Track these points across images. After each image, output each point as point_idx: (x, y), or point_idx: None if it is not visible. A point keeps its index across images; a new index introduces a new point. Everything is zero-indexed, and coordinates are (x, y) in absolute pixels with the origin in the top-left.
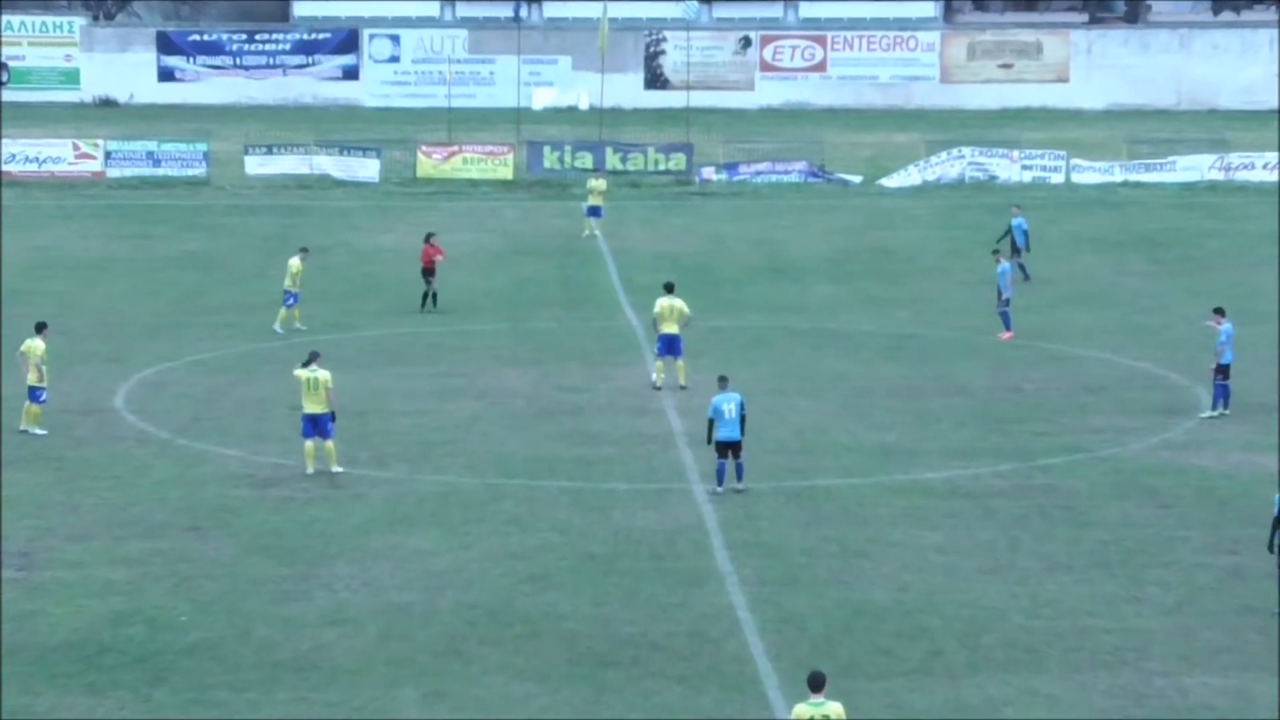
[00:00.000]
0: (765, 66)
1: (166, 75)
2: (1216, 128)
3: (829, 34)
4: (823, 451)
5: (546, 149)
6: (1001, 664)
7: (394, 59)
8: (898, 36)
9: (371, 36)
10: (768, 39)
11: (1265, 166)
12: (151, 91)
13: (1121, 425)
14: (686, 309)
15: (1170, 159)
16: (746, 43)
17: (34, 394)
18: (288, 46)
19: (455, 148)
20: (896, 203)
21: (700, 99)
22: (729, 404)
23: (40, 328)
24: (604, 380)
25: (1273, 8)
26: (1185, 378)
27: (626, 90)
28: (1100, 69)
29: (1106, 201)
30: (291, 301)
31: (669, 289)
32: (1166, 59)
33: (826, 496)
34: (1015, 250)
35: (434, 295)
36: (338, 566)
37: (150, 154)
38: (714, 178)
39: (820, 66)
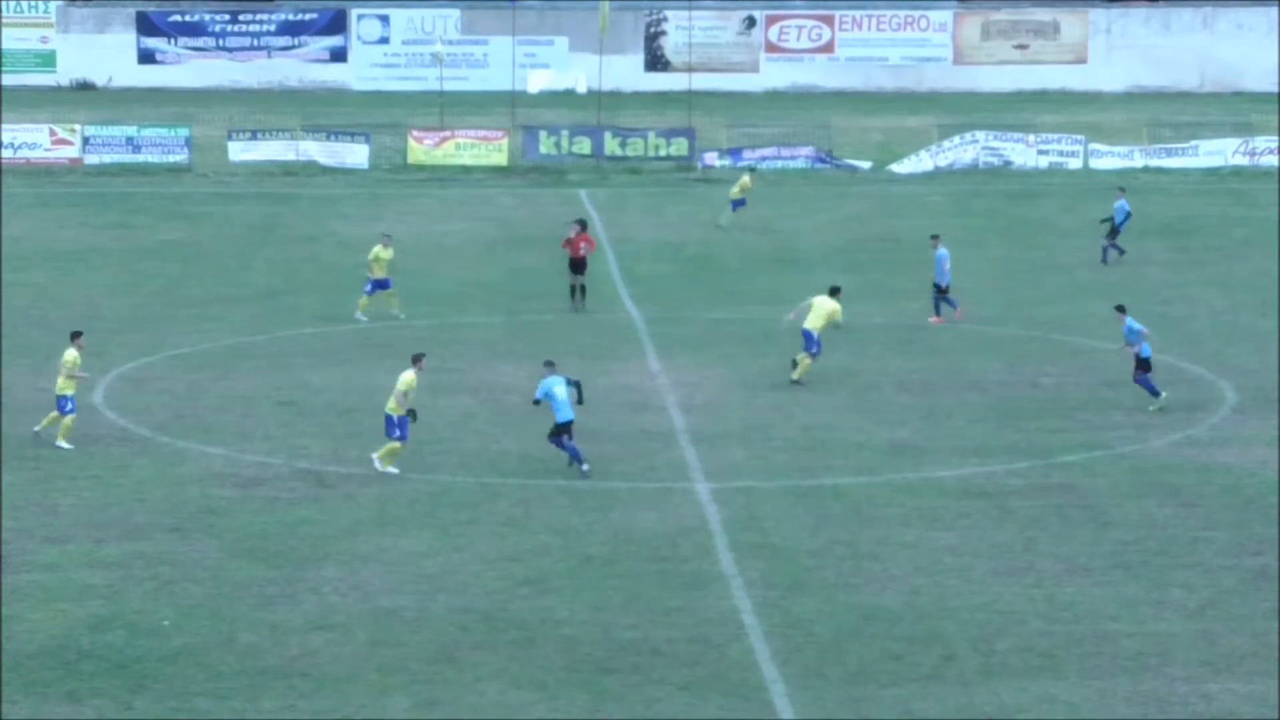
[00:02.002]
0: (770, 47)
1: (146, 57)
2: (1241, 110)
3: (837, 13)
4: (831, 449)
5: (542, 134)
6: (1017, 670)
7: (383, 40)
8: (908, 16)
9: (360, 17)
10: (773, 19)
11: None
12: (131, 74)
13: (1142, 421)
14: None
15: (1193, 143)
16: (751, 23)
17: (60, 403)
18: (272, 27)
19: (447, 133)
20: (907, 189)
21: (703, 81)
22: (559, 387)
23: (75, 336)
24: (603, 375)
25: None
26: (1209, 371)
27: (626, 72)
28: (1120, 49)
29: (1127, 187)
30: (371, 289)
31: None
32: (1189, 39)
33: (835, 496)
34: (1114, 232)
35: (583, 289)
36: (326, 569)
37: (130, 140)
38: (717, 164)
39: (828, 47)
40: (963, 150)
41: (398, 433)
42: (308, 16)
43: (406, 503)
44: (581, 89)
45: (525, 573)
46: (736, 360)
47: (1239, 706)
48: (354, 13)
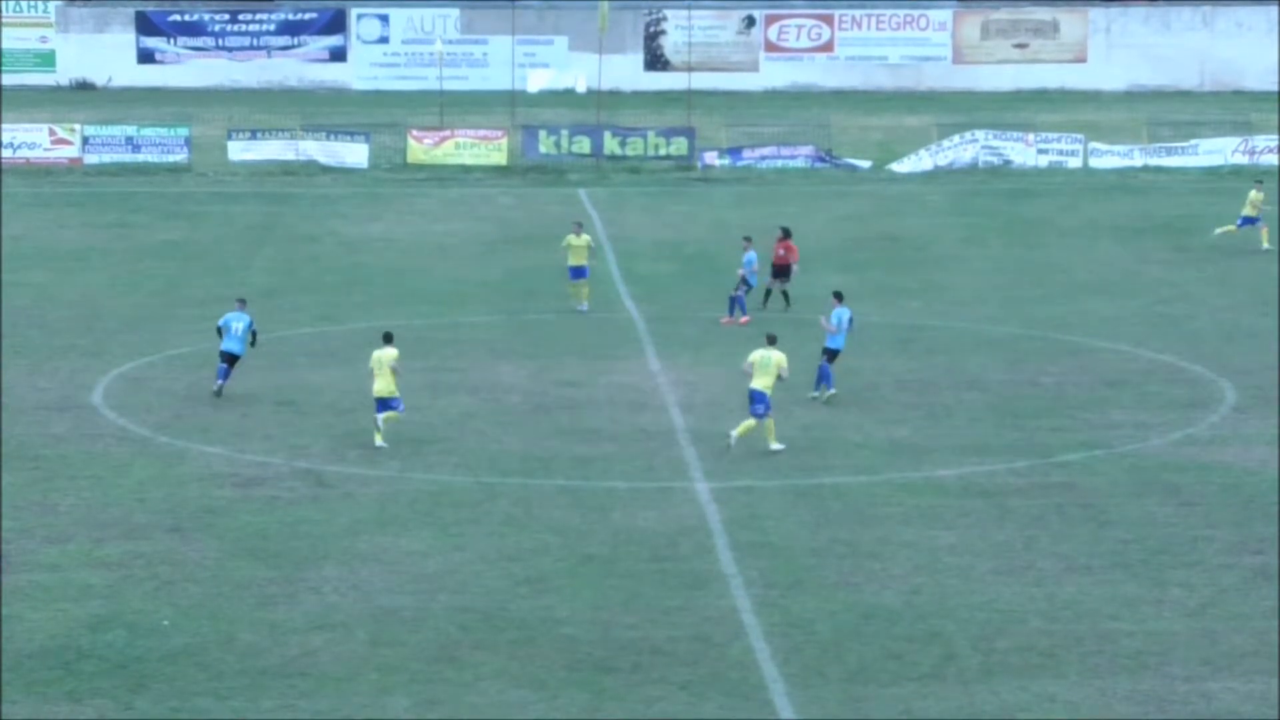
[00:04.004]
0: (770, 47)
1: (146, 57)
2: (1241, 109)
3: (836, 13)
4: (831, 448)
5: (542, 133)
6: (1017, 669)
7: (383, 40)
8: (908, 15)
9: (359, 16)
10: (772, 18)
11: None
12: (130, 74)
13: (1143, 420)
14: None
15: (1192, 142)
16: (750, 22)
17: (387, 404)
18: (272, 27)
19: (447, 132)
20: (907, 188)
21: (702, 81)
22: (239, 322)
23: (388, 338)
24: (603, 375)
25: None
26: (1209, 370)
27: (625, 72)
28: (1120, 48)
29: (1126, 187)
30: (583, 275)
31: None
32: (1189, 37)
33: (835, 495)
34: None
35: (785, 294)
36: (326, 569)
37: (129, 139)
38: (716, 163)
39: (827, 47)
40: (962, 149)
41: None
42: (307, 16)
43: (406, 502)
44: (581, 88)
45: (525, 572)
46: (737, 359)
47: (1239, 705)
48: (354, 12)
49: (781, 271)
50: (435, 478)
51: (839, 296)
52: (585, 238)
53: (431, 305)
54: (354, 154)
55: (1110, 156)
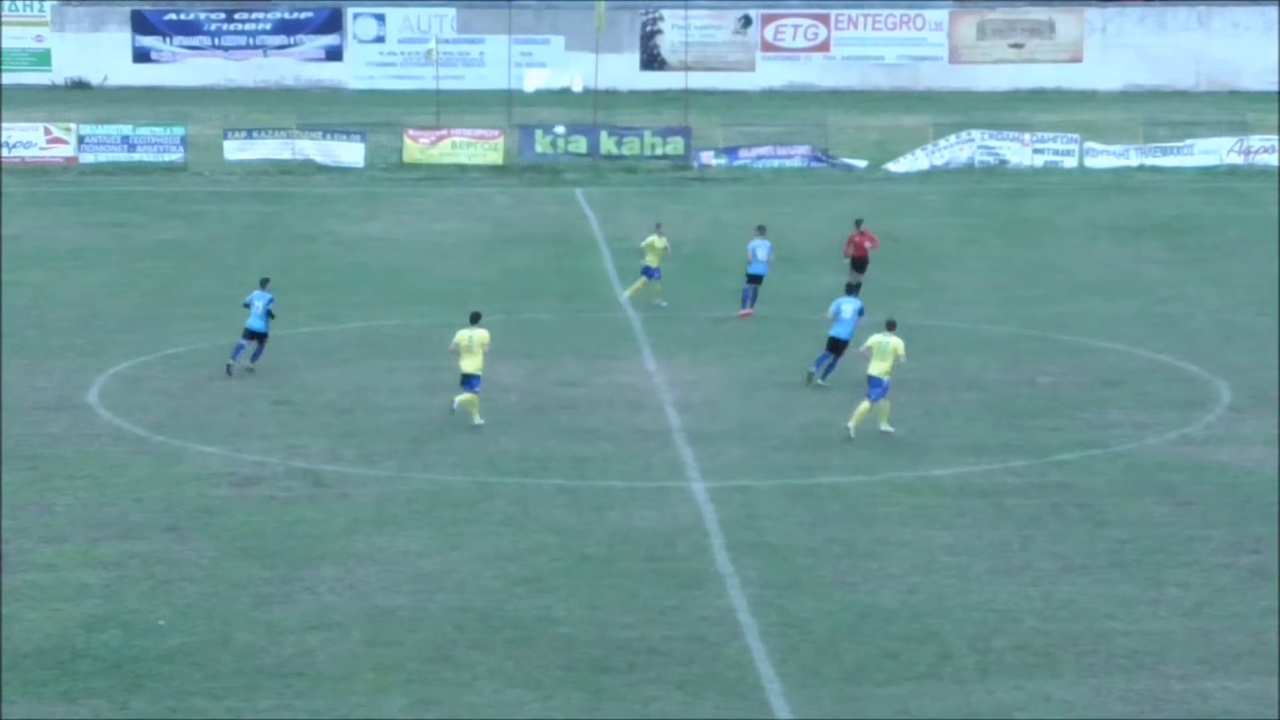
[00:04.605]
0: (766, 46)
1: (142, 56)
2: (1237, 109)
3: (833, 12)
4: (828, 448)
5: (538, 133)
6: (1013, 668)
7: (379, 39)
8: (904, 15)
9: (356, 16)
10: (769, 18)
11: None
12: (126, 73)
13: (1139, 420)
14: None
15: (1188, 142)
16: (747, 21)
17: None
18: (268, 26)
19: (443, 131)
20: (903, 188)
21: (699, 80)
22: (260, 300)
23: (476, 318)
24: (600, 374)
25: None
26: (1206, 370)
27: (622, 71)
28: (1116, 48)
29: (1122, 186)
30: (653, 275)
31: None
32: (1185, 37)
33: (832, 495)
34: None
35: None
36: (322, 568)
37: (125, 139)
38: (713, 162)
39: (824, 46)
40: (958, 149)
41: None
42: (303, 15)
43: (403, 502)
44: (578, 88)
45: (522, 572)
46: (733, 359)
47: (1235, 705)
48: (350, 11)
49: (859, 263)
50: (433, 477)
51: (850, 289)
52: (664, 240)
53: (428, 305)
54: (350, 153)
55: (1106, 156)
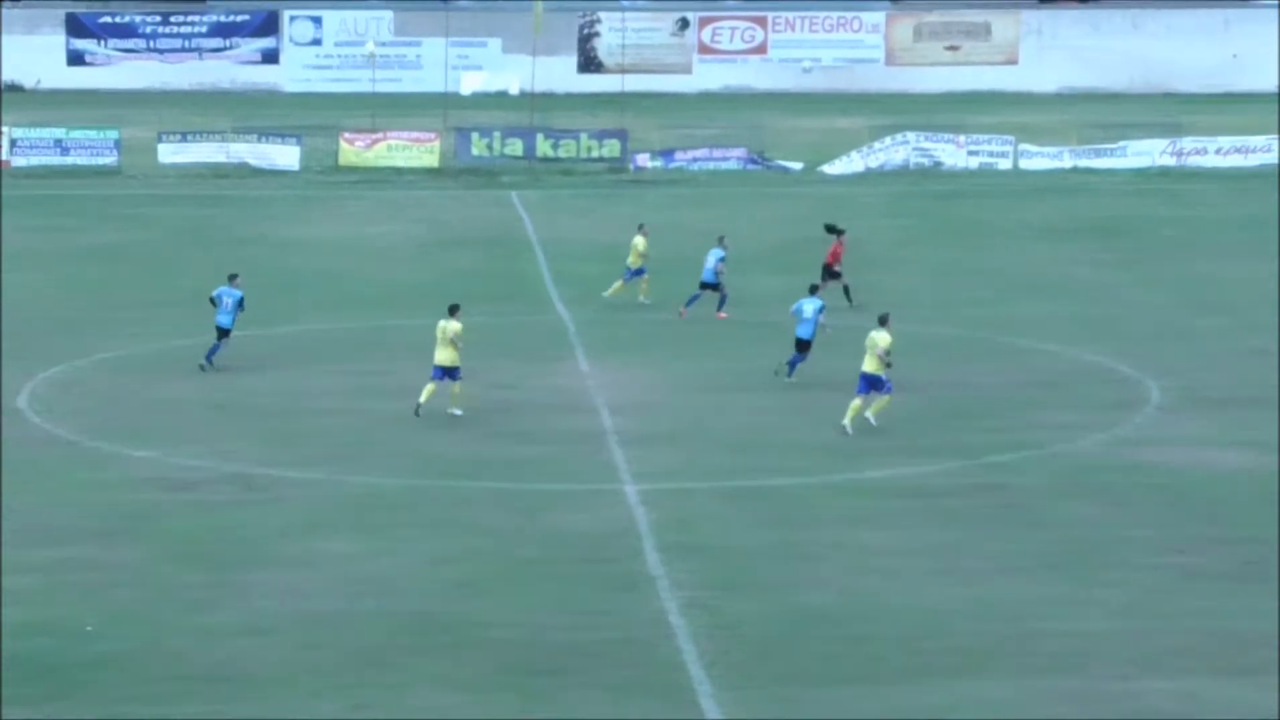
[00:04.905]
0: (703, 49)
1: (76, 59)
2: (1170, 111)
3: (770, 15)
4: (763, 450)
5: (475, 136)
6: (945, 670)
7: (316, 42)
8: (841, 17)
9: (292, 18)
10: (706, 20)
11: (1219, 151)
12: (60, 76)
13: (1073, 421)
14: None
15: (1122, 144)
16: (684, 24)
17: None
18: (204, 29)
19: (379, 134)
20: (839, 190)
21: (636, 83)
22: (229, 297)
23: (453, 310)
24: (534, 377)
25: None
26: (1137, 371)
27: (559, 74)
28: (1051, 50)
29: (1056, 188)
30: (631, 276)
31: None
32: (1119, 40)
33: (767, 497)
34: None
35: (846, 289)
36: (255, 573)
37: (58, 142)
38: (649, 165)
39: (761, 49)
40: (894, 151)
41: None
42: (239, 18)
43: (337, 505)
44: (514, 91)
45: (455, 575)
46: (668, 362)
47: (1165, 705)
48: (286, 14)
49: (831, 270)
50: (366, 480)
51: (814, 289)
52: (644, 241)
53: (364, 308)
54: (285, 156)
55: (1040, 158)
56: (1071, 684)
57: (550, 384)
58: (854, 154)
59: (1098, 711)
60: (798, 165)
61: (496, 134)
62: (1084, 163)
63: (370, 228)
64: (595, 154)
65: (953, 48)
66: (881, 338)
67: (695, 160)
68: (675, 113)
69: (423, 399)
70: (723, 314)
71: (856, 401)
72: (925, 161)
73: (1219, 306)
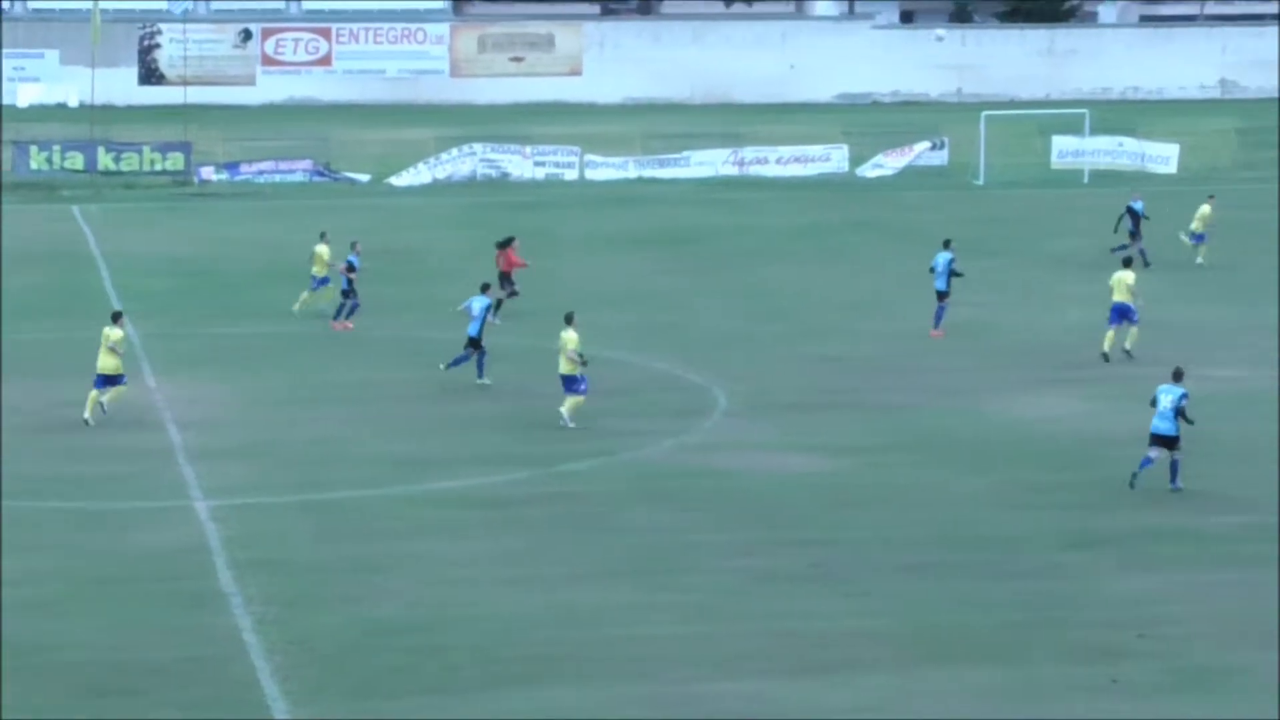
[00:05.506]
0: (267, 60)
1: None
2: (732, 121)
3: (334, 26)
4: (336, 463)
5: (34, 149)
6: (520, 678)
7: None
8: (405, 29)
9: None
10: (269, 31)
11: (779, 160)
12: None
13: (642, 428)
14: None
15: (685, 154)
16: (247, 35)
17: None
18: None
19: None
20: (407, 201)
21: (199, 95)
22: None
23: (116, 317)
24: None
25: (783, 0)
26: (703, 378)
27: (120, 86)
28: (614, 62)
29: (622, 198)
30: (318, 286)
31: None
32: (680, 52)
33: (339, 510)
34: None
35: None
36: None
37: None
38: (214, 177)
39: (325, 60)
40: (460, 162)
41: None
42: None
43: None
44: (74, 103)
45: (23, 597)
46: (238, 376)
47: (736, 706)
48: None
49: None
50: None
51: (486, 288)
52: (326, 249)
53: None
54: None
55: (606, 168)
56: (644, 689)
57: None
58: (421, 165)
59: (672, 714)
60: (365, 177)
61: (56, 147)
62: (649, 173)
63: None
64: (159, 167)
65: (517, 59)
66: (570, 338)
67: (261, 173)
68: (240, 125)
69: (88, 411)
70: (345, 324)
71: (570, 400)
72: (493, 173)
73: (783, 313)
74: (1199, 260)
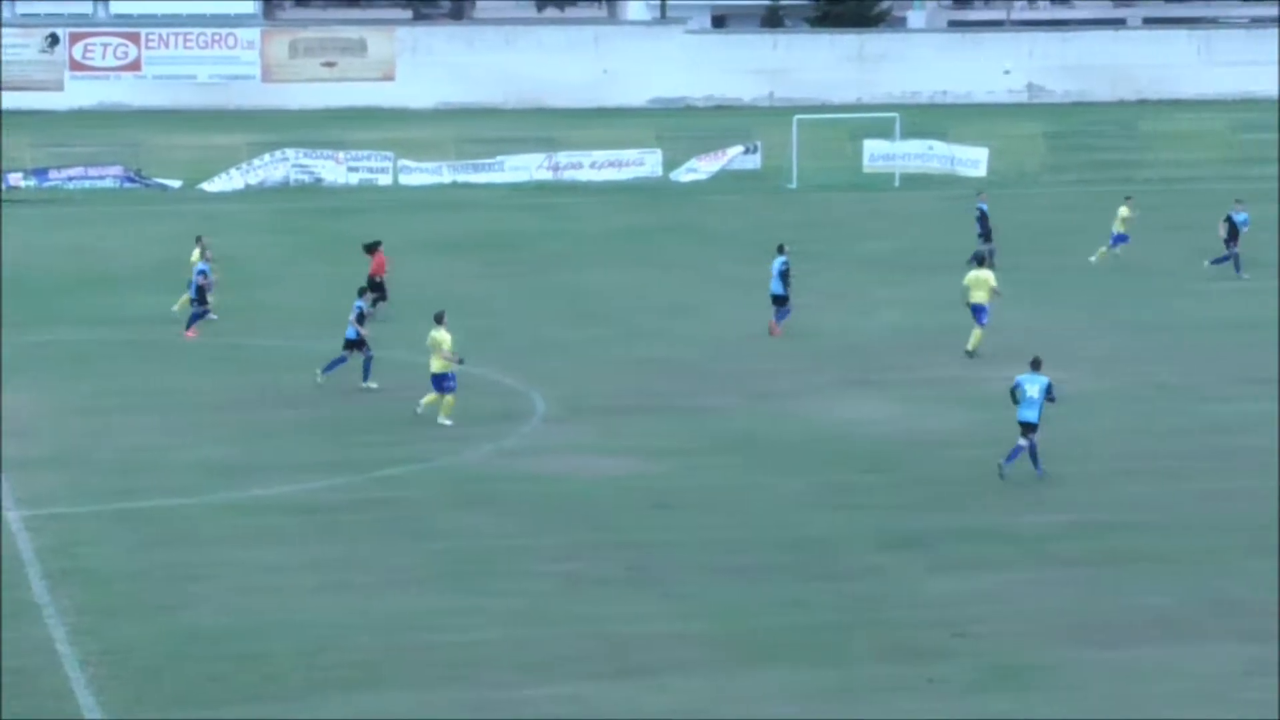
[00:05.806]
0: (75, 65)
1: None
2: (546, 126)
3: (143, 31)
4: (150, 471)
5: None
6: (340, 684)
7: None
8: (216, 34)
9: None
10: (77, 36)
11: (593, 165)
12: None
13: (460, 433)
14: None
15: (499, 159)
16: (54, 40)
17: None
18: None
19: None
20: (220, 207)
21: (6, 100)
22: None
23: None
24: None
25: (595, 5)
26: (519, 382)
27: None
28: (427, 67)
29: (436, 203)
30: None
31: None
32: (493, 57)
33: (154, 518)
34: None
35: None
36: None
37: None
38: (23, 184)
39: (135, 65)
40: (273, 168)
41: None
42: None
43: None
44: None
45: None
46: (49, 384)
47: (553, 709)
48: None
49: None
50: None
51: (362, 291)
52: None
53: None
54: None
55: (420, 174)
56: (465, 694)
57: None
58: (233, 171)
59: (490, 717)
60: (176, 183)
61: None
62: (463, 178)
63: None
64: None
65: (329, 64)
66: (443, 337)
67: (71, 179)
68: (48, 131)
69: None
70: (191, 332)
71: (431, 396)
72: (306, 178)
73: (599, 317)
74: (1091, 259)
